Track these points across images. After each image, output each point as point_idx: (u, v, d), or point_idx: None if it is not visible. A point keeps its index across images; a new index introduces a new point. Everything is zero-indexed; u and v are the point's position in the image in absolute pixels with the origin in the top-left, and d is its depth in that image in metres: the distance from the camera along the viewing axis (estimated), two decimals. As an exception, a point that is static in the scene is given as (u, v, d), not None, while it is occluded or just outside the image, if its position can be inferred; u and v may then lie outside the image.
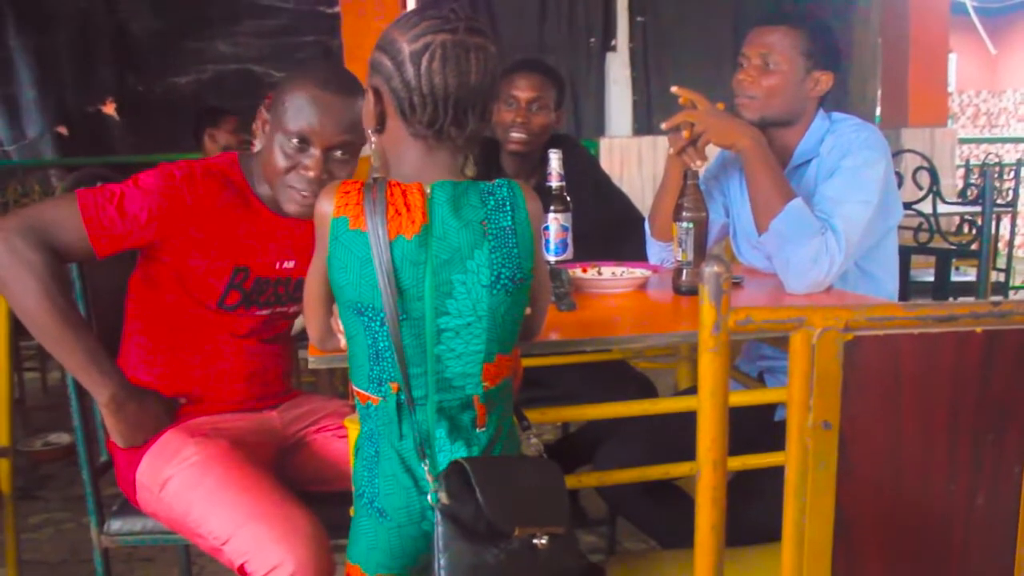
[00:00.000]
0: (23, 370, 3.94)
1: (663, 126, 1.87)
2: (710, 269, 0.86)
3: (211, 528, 1.49)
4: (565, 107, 2.57)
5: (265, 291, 1.69)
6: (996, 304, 0.87)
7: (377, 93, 1.25)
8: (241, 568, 1.45)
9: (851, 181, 1.78)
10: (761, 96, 1.87)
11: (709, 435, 0.88)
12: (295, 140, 1.56)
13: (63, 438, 3.53)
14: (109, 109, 6.12)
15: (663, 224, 2.04)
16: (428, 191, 1.20)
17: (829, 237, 1.71)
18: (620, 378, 2.33)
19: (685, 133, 1.83)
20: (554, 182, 1.85)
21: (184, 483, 1.54)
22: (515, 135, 2.38)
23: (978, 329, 0.87)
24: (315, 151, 1.57)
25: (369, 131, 1.29)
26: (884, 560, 0.93)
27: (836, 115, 1.95)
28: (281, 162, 1.58)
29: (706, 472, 0.89)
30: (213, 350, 1.69)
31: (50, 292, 1.49)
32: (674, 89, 1.88)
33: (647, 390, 2.32)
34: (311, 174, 1.57)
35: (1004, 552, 0.94)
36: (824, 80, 1.88)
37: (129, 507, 1.69)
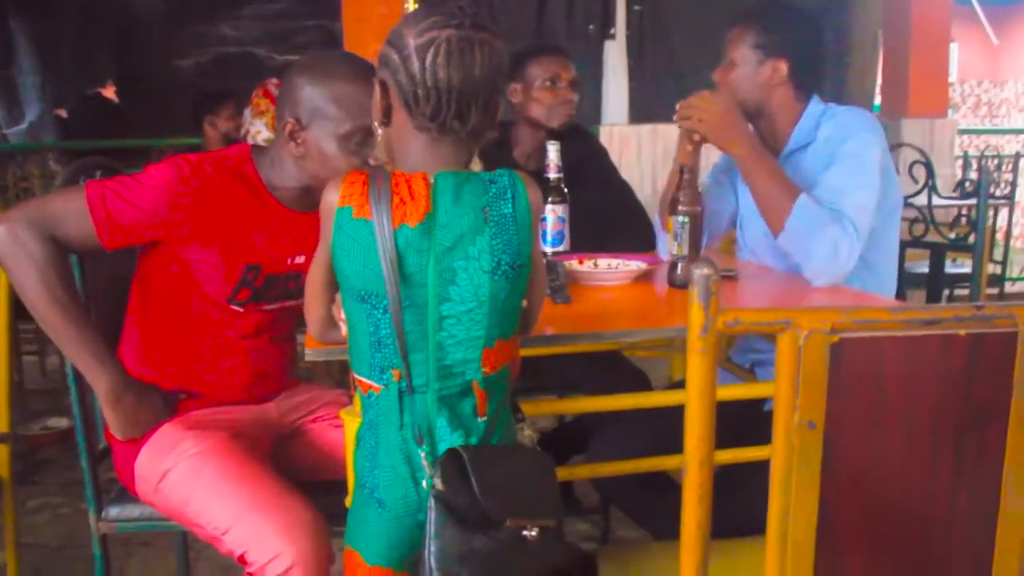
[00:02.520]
0: (22, 353, 3.95)
1: (676, 118, 1.94)
2: (699, 271, 0.87)
3: (210, 519, 1.51)
4: None
5: (275, 286, 1.67)
6: (979, 308, 0.88)
7: (384, 86, 1.27)
8: (241, 558, 1.46)
9: (852, 168, 1.82)
10: (726, 92, 1.97)
11: (696, 433, 0.90)
12: (358, 136, 1.58)
13: (62, 422, 3.54)
14: (109, 92, 6.10)
15: None
16: (432, 180, 1.22)
17: (845, 224, 1.75)
18: (614, 369, 2.35)
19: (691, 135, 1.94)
20: (552, 173, 1.86)
21: (183, 475, 1.55)
22: (565, 111, 2.45)
23: (962, 332, 0.89)
24: (371, 139, 1.60)
25: (376, 123, 1.30)
26: (866, 556, 0.95)
27: (833, 104, 1.99)
28: (353, 159, 1.58)
29: (692, 469, 0.90)
30: (218, 350, 1.68)
31: (48, 284, 1.50)
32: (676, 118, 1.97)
33: (640, 382, 2.33)
34: (379, 158, 1.59)
35: (984, 549, 0.96)
36: (781, 68, 1.94)
37: (127, 494, 1.70)
